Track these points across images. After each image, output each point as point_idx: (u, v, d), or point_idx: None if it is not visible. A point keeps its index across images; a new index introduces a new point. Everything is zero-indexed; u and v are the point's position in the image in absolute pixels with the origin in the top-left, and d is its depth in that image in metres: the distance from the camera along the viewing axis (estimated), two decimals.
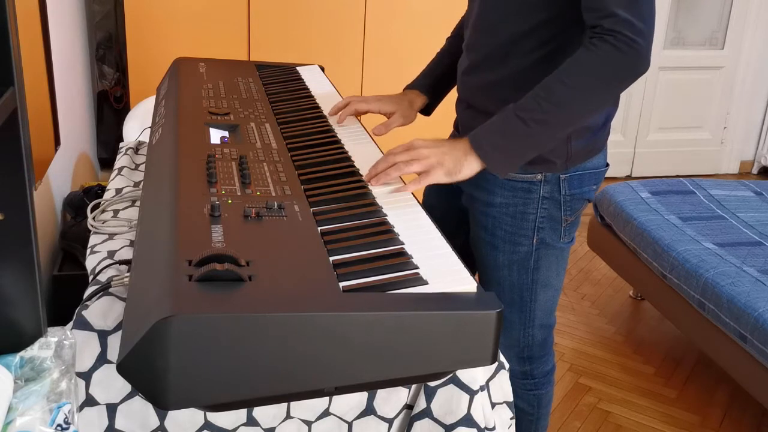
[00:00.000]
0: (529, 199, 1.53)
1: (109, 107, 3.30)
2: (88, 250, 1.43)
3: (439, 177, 1.34)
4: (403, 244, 1.12)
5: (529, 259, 1.57)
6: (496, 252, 1.58)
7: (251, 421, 1.18)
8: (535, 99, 1.33)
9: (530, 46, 1.43)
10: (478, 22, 1.53)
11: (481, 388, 1.20)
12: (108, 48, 3.29)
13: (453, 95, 1.69)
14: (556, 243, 1.57)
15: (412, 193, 1.32)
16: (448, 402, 1.18)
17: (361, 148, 1.49)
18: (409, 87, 1.75)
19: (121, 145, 1.96)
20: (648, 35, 1.31)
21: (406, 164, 1.33)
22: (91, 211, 1.58)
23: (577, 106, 1.33)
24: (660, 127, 4.63)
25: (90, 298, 1.21)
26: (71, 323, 1.18)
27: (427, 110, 1.75)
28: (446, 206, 1.70)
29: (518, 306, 1.61)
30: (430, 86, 1.73)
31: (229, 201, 1.16)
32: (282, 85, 1.84)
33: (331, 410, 1.20)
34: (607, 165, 1.60)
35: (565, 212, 1.55)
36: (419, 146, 1.36)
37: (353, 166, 1.39)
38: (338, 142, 1.50)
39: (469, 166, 1.36)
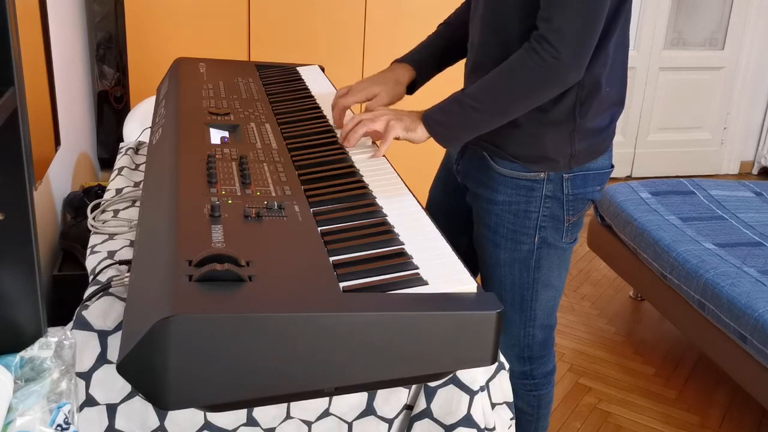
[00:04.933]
0: (531, 197, 1.53)
1: (109, 107, 3.30)
2: (88, 250, 1.43)
3: (398, 131, 1.47)
4: (403, 244, 1.12)
5: (530, 257, 1.57)
6: (498, 250, 1.58)
7: (251, 421, 1.18)
8: (477, 87, 1.44)
9: None
10: (485, 21, 1.52)
11: (481, 389, 1.20)
12: (108, 48, 3.29)
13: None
14: (558, 243, 1.57)
15: (413, 194, 1.32)
16: (448, 402, 1.18)
17: (360, 149, 1.49)
18: (397, 61, 1.70)
19: (121, 145, 1.96)
20: (578, 46, 1.36)
21: (370, 121, 1.48)
22: (91, 211, 1.58)
23: (506, 102, 1.43)
24: (660, 128, 4.63)
25: (90, 298, 1.21)
26: (71, 323, 1.18)
27: (411, 88, 1.69)
28: (452, 205, 1.70)
29: (519, 305, 1.61)
30: (421, 62, 1.69)
31: (229, 201, 1.16)
32: (282, 85, 1.84)
33: (331, 410, 1.20)
34: (612, 166, 1.60)
35: (568, 212, 1.55)
36: (381, 108, 1.52)
37: (353, 166, 1.39)
38: (338, 142, 1.50)
39: (421, 131, 1.48)
